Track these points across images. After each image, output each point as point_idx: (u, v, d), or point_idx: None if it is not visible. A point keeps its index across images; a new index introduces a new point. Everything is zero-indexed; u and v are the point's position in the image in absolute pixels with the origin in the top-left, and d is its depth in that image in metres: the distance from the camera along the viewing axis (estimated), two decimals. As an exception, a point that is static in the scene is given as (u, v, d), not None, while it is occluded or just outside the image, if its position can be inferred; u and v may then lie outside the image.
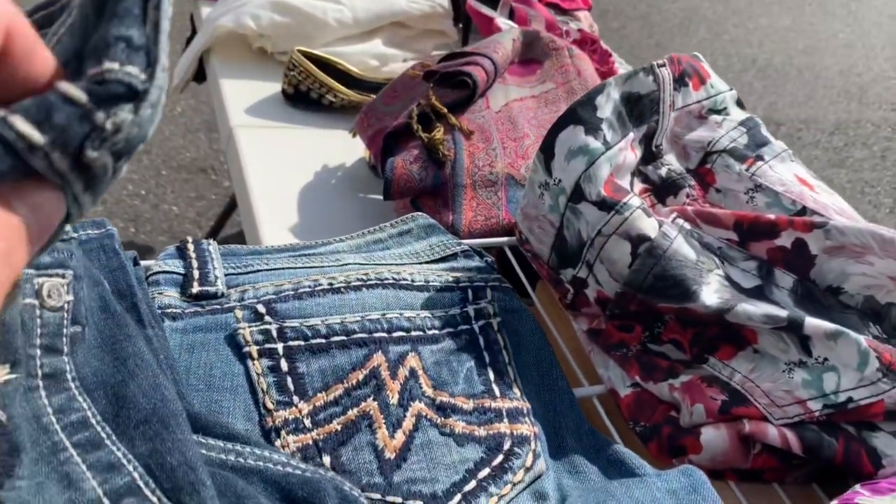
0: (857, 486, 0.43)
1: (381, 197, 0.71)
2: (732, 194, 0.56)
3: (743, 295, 0.50)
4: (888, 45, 3.54)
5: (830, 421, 0.46)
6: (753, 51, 3.33)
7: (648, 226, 0.50)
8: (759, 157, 0.57)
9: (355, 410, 0.42)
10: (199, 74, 1.15)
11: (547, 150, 0.53)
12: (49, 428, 0.29)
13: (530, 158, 0.71)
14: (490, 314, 0.51)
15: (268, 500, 0.31)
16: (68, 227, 0.20)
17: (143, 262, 0.48)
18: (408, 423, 0.43)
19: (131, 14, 0.17)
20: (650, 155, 0.58)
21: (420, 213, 0.59)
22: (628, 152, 0.54)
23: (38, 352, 0.31)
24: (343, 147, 0.89)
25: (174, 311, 0.45)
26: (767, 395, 0.47)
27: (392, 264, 0.53)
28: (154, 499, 0.29)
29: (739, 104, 0.62)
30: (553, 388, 0.49)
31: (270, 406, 0.42)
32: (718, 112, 0.60)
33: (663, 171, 0.57)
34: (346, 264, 0.52)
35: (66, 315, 0.33)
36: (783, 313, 0.47)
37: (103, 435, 0.30)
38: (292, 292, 0.47)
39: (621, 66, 1.06)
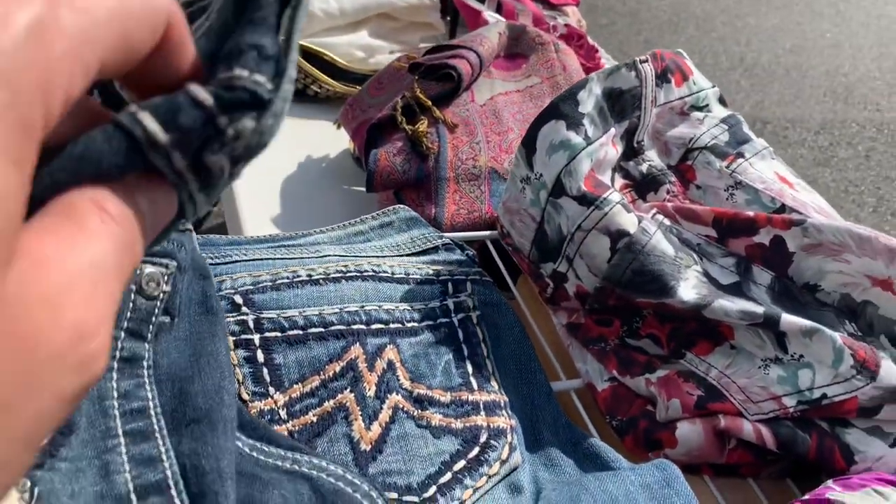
0: (829, 482, 0.43)
1: (364, 189, 0.70)
2: (713, 191, 0.56)
3: (721, 291, 0.50)
4: (875, 46, 3.57)
5: (804, 417, 0.46)
6: (741, 49, 3.34)
7: (628, 221, 0.50)
8: (740, 155, 0.57)
9: (331, 402, 0.42)
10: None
11: (529, 145, 0.53)
12: (108, 412, 0.30)
13: (514, 153, 0.71)
14: (470, 307, 0.51)
15: None
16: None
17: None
18: (384, 416, 0.43)
19: (266, 23, 0.18)
20: (631, 151, 0.58)
21: (402, 206, 0.59)
22: (609, 148, 0.54)
23: (122, 335, 0.32)
24: (327, 138, 0.88)
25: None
26: (743, 390, 0.47)
27: (372, 256, 0.53)
28: (178, 502, 0.29)
29: (721, 101, 0.62)
30: (531, 381, 0.49)
31: (246, 397, 0.42)
32: (700, 109, 0.60)
33: (644, 168, 0.58)
34: (325, 256, 0.52)
35: (158, 304, 0.34)
36: (760, 309, 0.47)
37: (156, 427, 0.30)
38: (270, 283, 0.47)
39: (608, 62, 1.06)
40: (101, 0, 0.15)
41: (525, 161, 0.54)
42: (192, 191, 0.18)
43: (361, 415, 0.42)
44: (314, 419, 0.41)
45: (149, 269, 0.35)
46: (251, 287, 0.47)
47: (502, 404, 0.46)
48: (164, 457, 0.30)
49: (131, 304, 0.33)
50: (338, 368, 0.44)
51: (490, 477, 0.42)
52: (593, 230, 0.50)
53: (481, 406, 0.45)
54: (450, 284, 0.52)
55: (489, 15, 1.04)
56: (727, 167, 0.57)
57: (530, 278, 0.57)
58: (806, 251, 0.50)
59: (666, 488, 0.38)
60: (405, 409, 0.44)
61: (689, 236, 0.53)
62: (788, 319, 0.47)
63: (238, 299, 0.46)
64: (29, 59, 0.13)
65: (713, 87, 0.62)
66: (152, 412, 0.31)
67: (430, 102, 0.72)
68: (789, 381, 0.46)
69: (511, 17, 1.07)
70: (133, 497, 0.28)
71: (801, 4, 4.01)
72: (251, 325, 0.44)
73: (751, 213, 0.51)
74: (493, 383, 0.48)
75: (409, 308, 0.49)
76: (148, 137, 0.16)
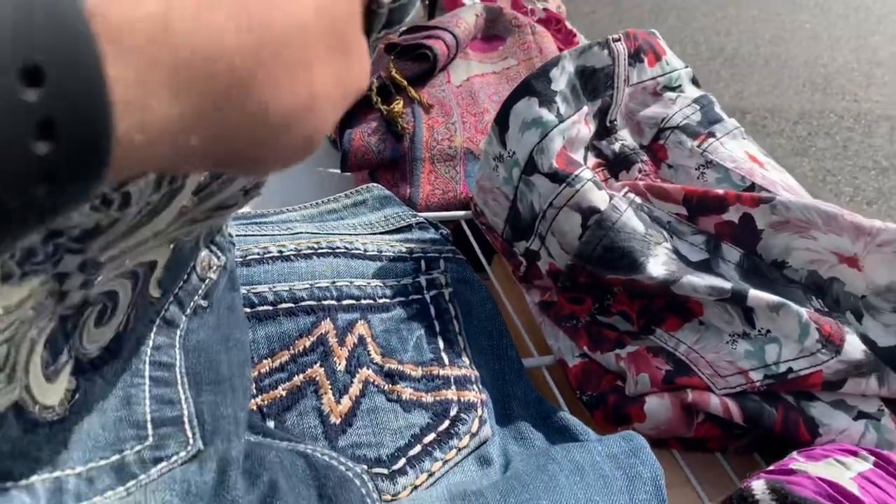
0: (794, 453, 0.44)
1: (339, 170, 0.70)
2: (684, 170, 0.57)
3: (690, 268, 0.50)
4: (853, 37, 3.60)
5: (771, 391, 0.47)
6: (721, 39, 3.36)
7: (599, 198, 0.50)
8: (711, 134, 0.58)
9: (301, 377, 0.42)
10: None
11: (501, 122, 0.53)
12: (141, 356, 0.32)
13: (489, 133, 0.71)
14: (442, 284, 0.51)
15: (307, 487, 0.32)
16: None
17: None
18: (354, 389, 0.43)
19: None
20: (604, 130, 0.58)
21: (375, 185, 0.59)
22: (582, 126, 0.54)
23: (171, 297, 0.34)
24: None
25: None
26: (711, 365, 0.48)
27: (345, 234, 0.53)
28: (189, 433, 0.31)
29: (694, 82, 0.62)
30: (502, 357, 0.50)
31: (215, 371, 0.41)
32: (673, 89, 0.60)
33: (617, 147, 0.58)
34: (297, 233, 0.52)
35: (203, 287, 0.37)
36: (727, 285, 0.47)
37: (178, 380, 0.33)
38: (240, 259, 0.47)
39: (586, 47, 1.06)
40: None
41: (498, 139, 0.54)
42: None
43: (331, 389, 0.42)
44: (283, 393, 0.41)
45: (205, 253, 0.38)
46: (221, 263, 0.46)
47: (473, 379, 0.47)
48: (182, 401, 0.32)
49: (185, 277, 0.36)
50: (308, 343, 0.44)
51: (460, 450, 0.42)
52: (565, 207, 0.51)
53: (452, 380, 0.46)
54: (422, 262, 0.52)
55: (467, -2, 1.04)
56: (698, 146, 0.57)
57: (504, 257, 0.58)
58: (774, 228, 0.51)
59: (632, 458, 0.39)
60: (376, 383, 0.44)
61: (660, 214, 0.53)
62: (756, 295, 0.47)
63: (208, 275, 0.45)
64: None
65: (686, 67, 0.62)
66: (177, 370, 0.33)
67: (405, 82, 0.72)
68: (756, 356, 0.47)
69: (489, 0, 1.06)
70: (149, 425, 0.31)
71: (781, -5, 4.03)
72: (221, 300, 0.44)
73: (720, 192, 0.52)
74: (465, 359, 0.48)
75: (380, 284, 0.49)
76: None
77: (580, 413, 0.50)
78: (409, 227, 0.56)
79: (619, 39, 0.56)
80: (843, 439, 0.46)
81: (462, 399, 0.45)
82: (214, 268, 0.37)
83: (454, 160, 0.68)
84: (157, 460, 0.29)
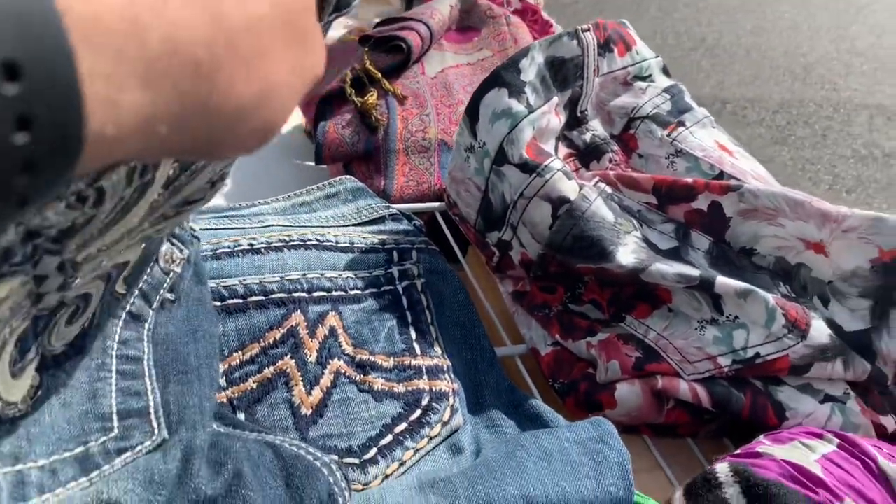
0: (761, 437, 0.45)
1: (314, 163, 0.70)
2: (654, 159, 0.57)
3: (659, 256, 0.51)
4: (832, 27, 3.63)
5: (739, 376, 0.48)
6: (703, 30, 3.38)
7: (569, 188, 0.51)
8: (681, 123, 0.58)
9: (272, 369, 0.42)
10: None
11: (472, 113, 0.53)
12: (108, 351, 0.33)
13: (464, 125, 0.71)
14: (415, 275, 0.52)
15: (274, 477, 0.32)
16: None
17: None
18: (325, 381, 0.43)
19: None
20: (575, 120, 0.58)
21: (349, 177, 0.59)
22: (552, 116, 0.54)
23: (136, 292, 0.35)
24: (280, 114, 0.87)
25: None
26: (680, 351, 0.48)
27: (317, 226, 0.53)
28: (155, 423, 0.32)
29: (665, 71, 0.63)
30: (475, 346, 0.50)
31: (185, 365, 0.41)
32: (643, 79, 0.61)
33: (588, 137, 0.58)
34: (269, 226, 0.52)
35: (168, 280, 0.37)
36: (695, 273, 0.48)
37: (146, 373, 0.33)
38: (210, 253, 0.47)
39: (562, 38, 1.06)
40: None
41: (469, 129, 0.54)
42: None
43: (302, 380, 0.42)
44: (254, 385, 0.42)
45: (167, 246, 0.38)
46: (191, 256, 0.46)
47: (445, 368, 0.47)
48: (149, 393, 0.32)
49: (149, 270, 0.36)
50: (278, 336, 0.44)
51: (431, 438, 0.43)
52: (535, 197, 0.51)
53: (424, 370, 0.46)
54: (395, 253, 0.52)
55: (444, -10, 1.04)
56: (668, 136, 0.57)
57: (477, 248, 0.58)
58: (742, 216, 0.51)
59: (599, 443, 0.39)
60: (347, 374, 0.44)
61: (630, 203, 0.53)
62: (723, 282, 0.48)
63: (178, 268, 0.45)
64: None
65: (657, 57, 0.62)
66: (145, 363, 0.34)
67: (379, 74, 0.72)
68: (724, 342, 0.48)
69: (466, -7, 1.06)
70: (115, 417, 0.31)
71: (761, -15, 4.05)
72: (191, 293, 0.44)
73: (689, 180, 0.52)
74: (437, 348, 0.48)
75: (352, 276, 0.49)
76: None
77: (553, 401, 0.50)
78: (381, 219, 0.56)
79: (588, 30, 0.56)
80: (810, 422, 0.47)
81: (434, 389, 0.45)
82: (178, 261, 0.37)
83: (428, 152, 0.68)
84: (121, 451, 0.30)
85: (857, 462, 0.42)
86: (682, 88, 0.61)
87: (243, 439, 0.33)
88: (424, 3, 0.96)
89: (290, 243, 0.49)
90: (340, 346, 0.45)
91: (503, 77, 0.52)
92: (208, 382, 0.35)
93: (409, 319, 0.49)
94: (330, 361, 0.44)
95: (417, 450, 0.42)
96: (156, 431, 0.31)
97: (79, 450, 0.29)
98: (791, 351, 0.47)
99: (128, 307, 0.35)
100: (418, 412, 0.44)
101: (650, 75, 0.61)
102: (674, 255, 0.51)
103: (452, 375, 0.47)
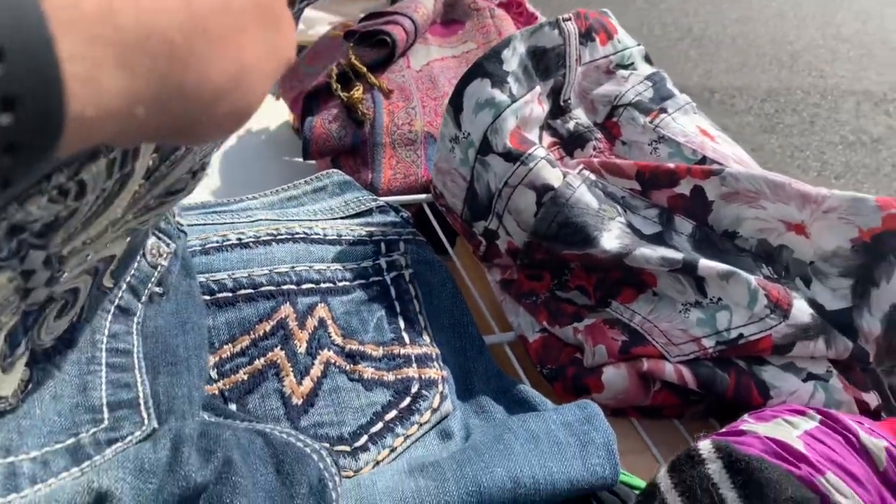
0: (745, 416, 0.45)
1: (302, 158, 0.71)
2: (637, 146, 0.58)
3: (643, 241, 0.51)
4: (818, 14, 3.64)
5: (723, 357, 0.48)
6: (689, 20, 3.39)
7: (553, 176, 0.51)
8: (663, 110, 0.59)
9: (262, 360, 0.43)
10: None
11: (456, 104, 0.54)
12: (97, 345, 0.33)
13: (450, 117, 0.72)
14: (402, 266, 0.52)
15: (264, 464, 0.33)
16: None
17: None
18: (316, 371, 0.44)
19: None
20: (558, 109, 0.59)
21: (335, 171, 0.60)
22: (535, 105, 0.55)
23: (124, 286, 0.35)
24: (267, 111, 0.88)
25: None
26: (665, 334, 0.49)
27: (305, 220, 0.54)
28: (145, 414, 0.32)
29: (647, 59, 0.63)
30: (464, 334, 0.51)
31: (176, 358, 0.42)
32: (626, 67, 0.61)
33: (571, 125, 0.59)
34: (257, 220, 0.52)
35: (156, 273, 0.38)
36: (679, 256, 0.49)
37: (136, 365, 0.34)
38: (199, 248, 0.47)
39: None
40: None
41: (453, 120, 0.54)
42: None
43: (293, 371, 0.43)
44: (245, 377, 0.42)
45: (153, 240, 0.39)
46: (180, 252, 0.47)
47: (434, 356, 0.47)
48: (139, 384, 0.33)
49: (136, 264, 0.37)
50: (268, 328, 0.44)
51: (421, 425, 0.43)
52: (520, 186, 0.51)
53: (413, 359, 0.47)
54: (383, 245, 0.53)
55: (428, -16, 1.04)
56: (651, 122, 0.58)
57: (464, 237, 0.59)
58: (724, 199, 0.52)
59: (585, 425, 0.40)
60: (337, 363, 0.44)
61: (614, 190, 0.54)
62: (706, 264, 0.48)
63: (167, 264, 0.46)
64: None
65: (638, 45, 0.63)
66: (134, 355, 0.34)
67: (364, 69, 0.72)
68: (708, 323, 0.48)
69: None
70: (105, 409, 0.32)
71: (747, -26, 4.06)
72: (180, 288, 0.45)
73: (672, 166, 0.53)
74: (426, 337, 0.49)
75: (340, 268, 0.50)
76: None
77: (541, 386, 0.51)
78: (369, 211, 0.57)
79: (569, 19, 0.57)
80: (793, 400, 0.48)
81: (423, 376, 0.46)
82: (164, 255, 0.38)
83: (415, 144, 0.69)
84: (111, 441, 0.30)
85: (839, 437, 0.43)
86: (664, 76, 0.62)
87: (233, 428, 0.34)
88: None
89: (279, 237, 0.49)
90: (330, 337, 0.46)
91: (486, 67, 0.53)
92: (197, 373, 0.35)
93: (398, 309, 0.49)
94: (320, 352, 0.44)
95: (408, 436, 0.42)
96: (146, 422, 0.31)
97: (70, 441, 0.30)
98: (773, 331, 0.47)
99: (116, 301, 0.36)
100: (408, 400, 0.44)
101: (632, 63, 0.62)
102: (658, 239, 0.52)
103: (441, 363, 0.47)
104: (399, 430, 0.42)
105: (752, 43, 3.28)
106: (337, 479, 0.33)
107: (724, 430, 0.44)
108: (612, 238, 0.50)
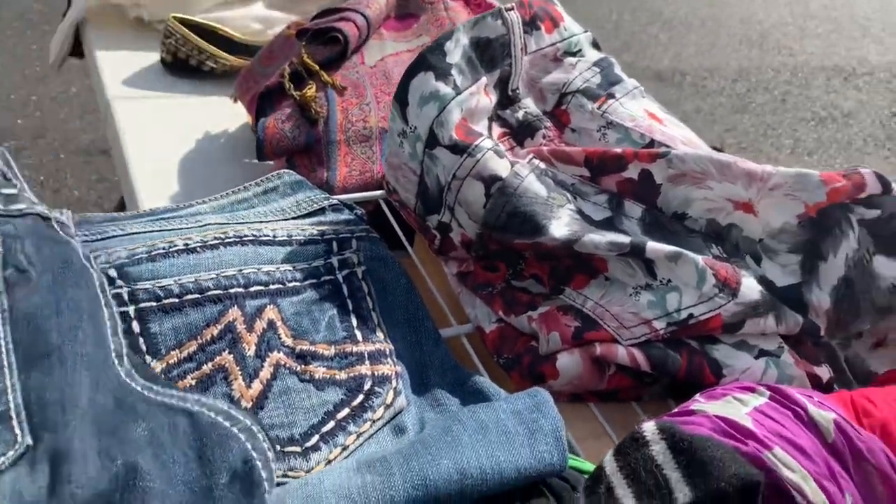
0: (697, 395, 0.46)
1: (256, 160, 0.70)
2: (586, 133, 0.58)
3: (593, 227, 0.52)
4: (787, -8, 3.66)
5: (674, 338, 0.49)
6: (659, 4, 3.39)
7: (500, 166, 0.51)
8: (611, 96, 0.59)
9: (210, 365, 0.43)
10: (80, 50, 1.11)
11: (401, 98, 0.54)
12: None
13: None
14: (355, 263, 0.52)
15: (186, 451, 0.32)
16: None
17: None
18: (265, 373, 0.43)
19: None
20: (507, 99, 0.59)
21: (287, 171, 0.59)
22: (482, 96, 0.55)
23: None
24: (226, 114, 0.87)
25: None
26: (616, 318, 0.49)
27: (255, 222, 0.53)
28: (18, 430, 0.30)
29: (595, 45, 0.63)
30: (419, 328, 0.51)
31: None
32: (573, 54, 0.61)
33: (520, 115, 0.59)
34: (206, 225, 0.52)
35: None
36: (626, 240, 0.49)
37: (5, 363, 0.31)
38: (146, 255, 0.47)
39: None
40: None
41: (400, 115, 0.54)
42: None
43: (241, 374, 0.43)
44: (192, 382, 0.42)
45: None
46: (126, 260, 0.46)
47: (388, 352, 0.47)
48: (9, 390, 0.30)
49: None
50: (215, 332, 0.44)
51: (374, 421, 0.43)
52: (468, 177, 0.51)
53: (366, 356, 0.46)
54: (334, 243, 0.53)
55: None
56: (598, 108, 0.58)
57: (419, 232, 0.59)
58: (672, 181, 0.52)
59: (535, 412, 0.40)
60: (287, 365, 0.44)
61: (564, 177, 0.54)
62: (654, 247, 0.49)
63: (113, 273, 0.45)
64: None
65: (585, 31, 0.63)
66: (3, 349, 0.32)
67: (317, 67, 0.72)
68: (658, 305, 0.49)
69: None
70: None
71: (715, -45, 4.07)
72: (126, 297, 0.44)
73: (619, 150, 0.53)
74: (379, 333, 0.49)
75: (290, 269, 0.50)
76: None
77: (500, 377, 0.51)
78: (321, 210, 0.57)
79: (512, 8, 0.57)
80: (746, 378, 0.48)
81: (376, 373, 0.46)
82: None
83: (370, 140, 0.69)
84: None
85: (788, 412, 0.43)
86: (612, 61, 0.62)
87: (152, 415, 0.32)
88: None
89: (226, 240, 0.49)
90: (280, 339, 0.45)
91: (429, 60, 0.53)
92: (72, 364, 0.33)
93: (350, 307, 0.49)
94: (269, 354, 0.44)
95: (360, 434, 0.42)
96: (19, 438, 0.29)
97: None
98: (723, 310, 0.48)
99: None
100: (361, 397, 0.44)
101: (580, 50, 0.62)
102: (608, 224, 0.52)
103: (395, 359, 0.47)
104: (351, 427, 0.42)
105: (722, 24, 3.29)
106: (270, 455, 0.33)
107: (675, 410, 0.44)
108: (561, 225, 0.50)
